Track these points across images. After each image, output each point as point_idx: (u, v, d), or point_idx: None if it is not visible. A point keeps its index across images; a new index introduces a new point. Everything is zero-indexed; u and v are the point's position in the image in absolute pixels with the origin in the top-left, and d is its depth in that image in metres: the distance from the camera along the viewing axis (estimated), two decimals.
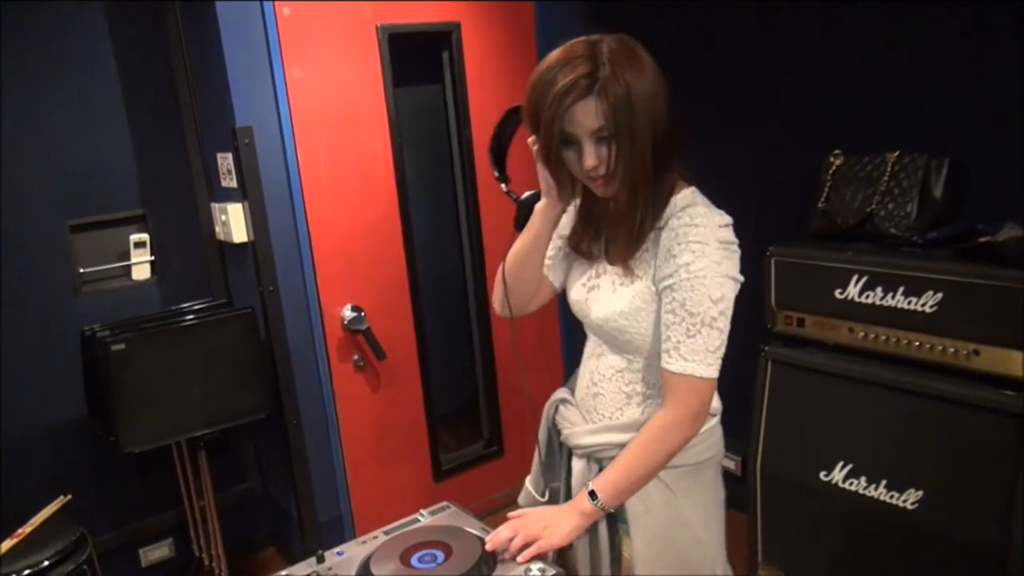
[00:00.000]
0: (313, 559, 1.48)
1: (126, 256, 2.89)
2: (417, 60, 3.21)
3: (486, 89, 3.24)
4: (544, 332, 3.62)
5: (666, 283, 1.41)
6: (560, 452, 1.70)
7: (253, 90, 2.69)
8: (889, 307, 2.10)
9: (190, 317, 2.74)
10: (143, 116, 2.86)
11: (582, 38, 1.38)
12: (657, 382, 1.53)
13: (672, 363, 1.41)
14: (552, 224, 1.59)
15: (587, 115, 1.34)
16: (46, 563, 2.28)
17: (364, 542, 1.53)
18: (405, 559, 1.42)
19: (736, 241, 1.43)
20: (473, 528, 1.52)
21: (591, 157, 1.37)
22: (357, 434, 3.09)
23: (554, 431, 1.72)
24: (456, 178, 3.33)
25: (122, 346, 2.47)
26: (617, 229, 1.51)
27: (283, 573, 1.45)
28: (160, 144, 2.91)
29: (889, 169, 2.23)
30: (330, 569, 1.45)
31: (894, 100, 2.40)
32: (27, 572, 2.24)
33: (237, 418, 2.73)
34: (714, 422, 1.59)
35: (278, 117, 2.76)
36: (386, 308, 3.09)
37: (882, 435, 2.12)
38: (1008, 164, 2.18)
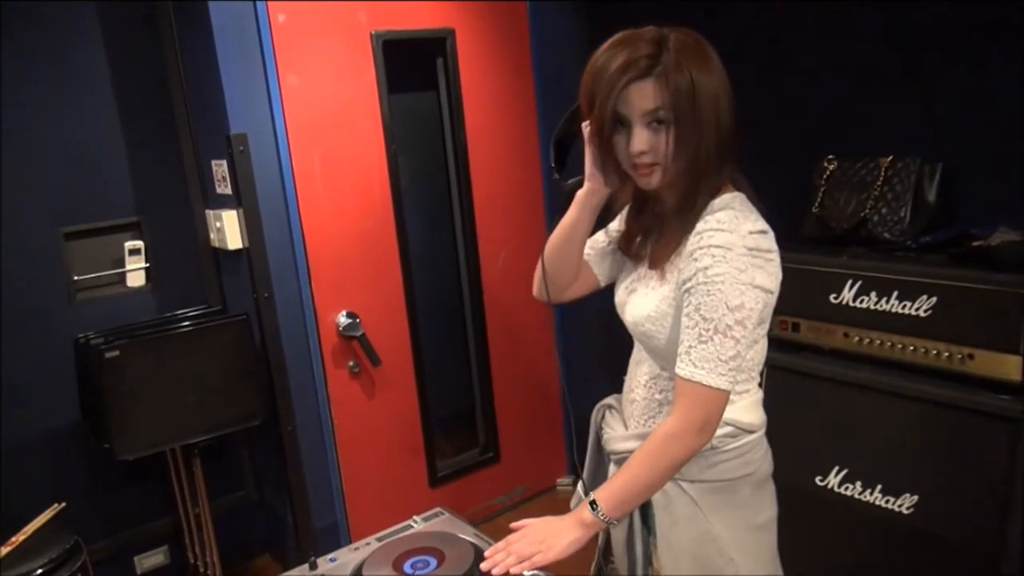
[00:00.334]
0: (306, 566, 1.47)
1: (121, 263, 2.89)
2: (412, 67, 3.21)
3: (481, 95, 3.24)
4: (539, 333, 3.62)
5: (685, 287, 1.36)
6: (607, 457, 1.67)
7: (248, 97, 2.70)
8: (883, 311, 2.10)
9: (185, 324, 2.73)
10: (137, 123, 2.86)
11: (649, 27, 1.36)
12: None
13: (682, 368, 1.35)
14: (591, 211, 1.54)
15: (643, 96, 1.32)
16: (40, 571, 2.26)
17: (357, 548, 1.53)
18: (398, 565, 1.42)
19: (772, 249, 1.38)
20: (466, 534, 1.52)
21: (639, 141, 1.34)
22: (352, 440, 3.09)
23: (599, 436, 1.68)
24: (451, 184, 3.33)
25: (116, 353, 2.47)
26: (671, 228, 1.45)
27: None
28: (154, 151, 2.91)
29: (883, 174, 2.23)
30: None
31: (887, 105, 2.40)
32: None
33: (232, 425, 2.72)
34: (750, 438, 1.49)
35: (273, 124, 2.76)
36: (381, 314, 3.08)
37: (877, 440, 2.12)
38: (1000, 168, 2.18)
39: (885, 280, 2.09)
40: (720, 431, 1.42)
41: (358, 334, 2.97)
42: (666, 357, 1.46)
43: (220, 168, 2.79)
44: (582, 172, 1.52)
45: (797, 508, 2.27)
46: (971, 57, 2.21)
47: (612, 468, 1.60)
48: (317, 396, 2.99)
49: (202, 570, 2.98)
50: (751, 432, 1.50)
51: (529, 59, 3.38)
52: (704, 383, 1.33)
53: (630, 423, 1.59)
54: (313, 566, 1.47)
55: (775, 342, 2.34)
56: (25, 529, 2.40)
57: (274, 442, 2.96)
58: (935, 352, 2.01)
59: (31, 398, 2.73)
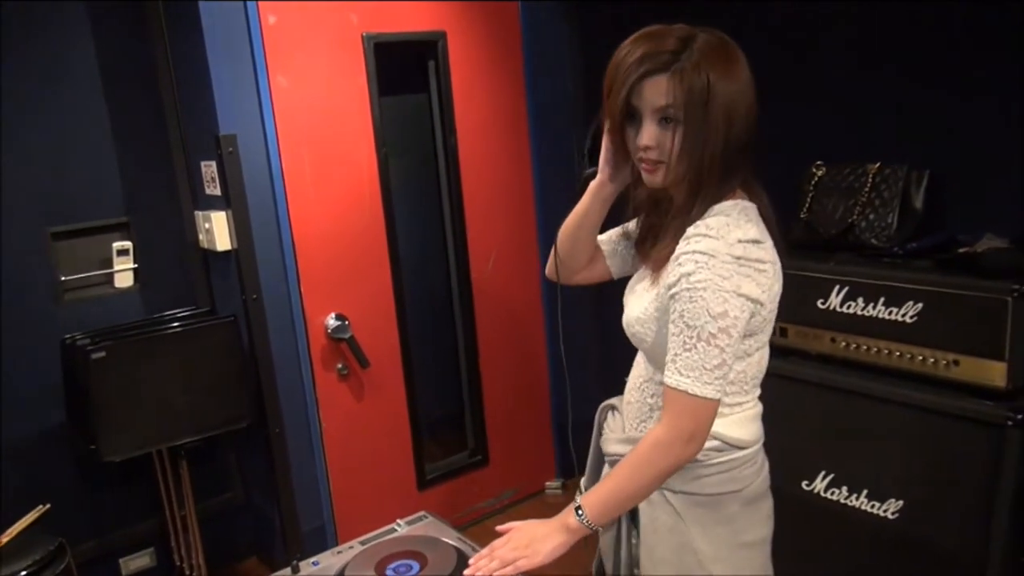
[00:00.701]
0: (288, 569, 1.47)
1: (108, 264, 2.87)
2: (403, 69, 3.21)
3: (472, 98, 3.24)
4: (528, 336, 3.62)
5: (671, 292, 1.34)
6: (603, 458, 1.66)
7: (237, 98, 2.69)
8: (870, 317, 2.11)
9: (173, 325, 2.72)
10: (126, 123, 2.84)
11: (682, 24, 1.35)
12: None
13: (669, 377, 1.33)
14: (601, 202, 1.54)
15: (656, 91, 1.31)
16: (24, 573, 2.25)
17: (340, 551, 1.52)
18: (380, 569, 1.41)
19: (765, 260, 1.35)
20: (449, 538, 1.52)
21: (648, 136, 1.34)
22: (340, 443, 3.08)
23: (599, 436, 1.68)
24: (441, 187, 3.33)
25: (102, 354, 2.46)
26: (668, 229, 1.44)
27: None
28: (143, 151, 2.89)
29: (870, 180, 2.24)
30: None
31: (875, 112, 2.41)
32: None
33: (219, 427, 2.71)
34: (739, 454, 1.46)
35: (262, 125, 2.75)
36: (370, 316, 3.08)
37: (863, 445, 2.12)
38: (987, 176, 2.20)
39: (872, 286, 2.10)
40: (706, 444, 1.39)
41: (347, 336, 2.97)
42: (655, 360, 1.46)
43: (209, 169, 2.79)
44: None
45: (783, 512, 2.27)
46: (959, 65, 2.22)
47: (606, 469, 1.59)
48: (305, 398, 2.98)
49: (188, 572, 2.97)
50: (741, 448, 1.46)
51: (520, 62, 3.38)
52: (690, 392, 1.31)
53: (627, 425, 1.58)
54: (295, 569, 1.46)
55: None
56: (9, 531, 2.38)
57: (261, 444, 2.95)
58: (921, 358, 2.02)
59: (16, 398, 2.71)
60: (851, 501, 2.15)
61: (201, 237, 2.90)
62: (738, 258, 1.31)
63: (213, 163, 2.74)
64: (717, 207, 1.37)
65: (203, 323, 2.74)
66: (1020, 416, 1.83)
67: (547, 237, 3.51)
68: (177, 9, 2.72)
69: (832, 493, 2.19)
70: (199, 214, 2.88)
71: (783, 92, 2.59)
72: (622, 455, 1.47)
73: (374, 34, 2.92)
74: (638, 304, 1.46)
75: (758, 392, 1.51)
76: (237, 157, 2.70)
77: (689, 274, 1.30)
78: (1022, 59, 2.07)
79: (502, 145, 3.38)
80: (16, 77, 2.62)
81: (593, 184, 1.53)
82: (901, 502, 2.04)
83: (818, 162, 2.39)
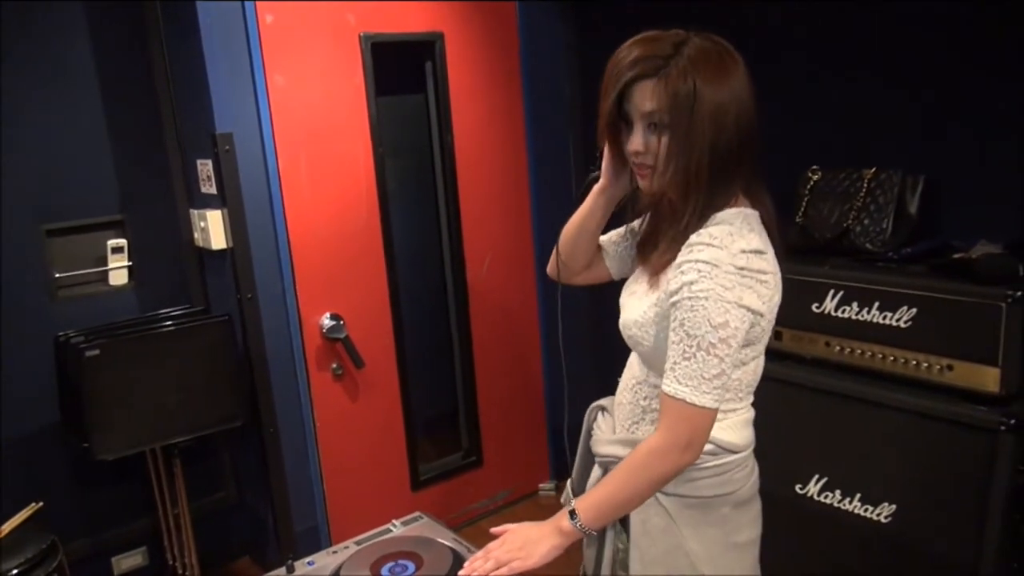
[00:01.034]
0: (283, 569, 1.47)
1: (103, 261, 2.86)
2: (400, 69, 3.21)
3: (469, 99, 3.24)
4: (523, 337, 3.62)
5: (672, 299, 1.34)
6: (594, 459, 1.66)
7: (234, 96, 2.69)
8: (865, 322, 2.12)
9: (167, 324, 2.72)
10: (122, 120, 2.84)
11: (679, 29, 1.35)
12: None
13: (668, 385, 1.33)
14: (603, 205, 1.55)
15: (643, 97, 1.31)
16: (16, 571, 2.24)
17: (335, 552, 1.52)
18: (375, 570, 1.41)
19: (767, 271, 1.35)
20: (445, 539, 1.52)
21: (636, 141, 1.35)
22: (335, 443, 3.08)
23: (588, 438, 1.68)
24: (438, 188, 3.33)
25: (96, 352, 2.45)
26: (664, 234, 1.45)
27: None
28: (139, 149, 2.89)
29: (866, 185, 2.25)
30: None
31: (871, 117, 2.42)
32: None
33: (213, 426, 2.70)
34: (732, 458, 1.47)
35: (259, 124, 2.75)
36: (366, 317, 3.08)
37: (857, 449, 2.13)
38: (982, 182, 2.21)
39: (867, 290, 2.11)
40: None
41: (342, 336, 2.96)
42: (651, 363, 1.46)
43: (205, 167, 2.78)
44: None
45: (776, 516, 2.28)
46: (954, 71, 2.23)
47: (596, 471, 1.59)
48: (300, 398, 2.98)
49: (181, 572, 2.96)
50: (734, 452, 1.48)
51: (517, 63, 3.38)
52: (688, 401, 1.31)
53: (617, 427, 1.58)
54: (291, 569, 1.46)
55: None
56: (2, 528, 2.37)
57: (255, 444, 2.94)
58: (915, 363, 2.03)
59: (9, 396, 2.70)
60: (844, 505, 2.15)
61: (196, 235, 2.90)
62: (741, 268, 1.31)
63: (209, 161, 2.74)
64: (720, 215, 1.37)
65: (198, 322, 2.73)
66: (1013, 421, 1.84)
67: (543, 238, 3.51)
68: (174, 8, 2.71)
69: (825, 497, 2.19)
70: (194, 212, 2.88)
71: (779, 96, 2.61)
72: (614, 456, 1.49)
73: (371, 34, 2.92)
74: (636, 307, 1.46)
75: (751, 398, 1.52)
76: (233, 156, 2.70)
77: (692, 283, 1.30)
78: (1018, 66, 2.09)
79: (499, 146, 3.38)
80: (13, 74, 2.62)
81: (596, 187, 1.54)
82: (894, 506, 2.05)
83: (814, 167, 2.40)
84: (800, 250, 2.35)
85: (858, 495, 2.13)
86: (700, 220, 1.36)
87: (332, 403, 3.05)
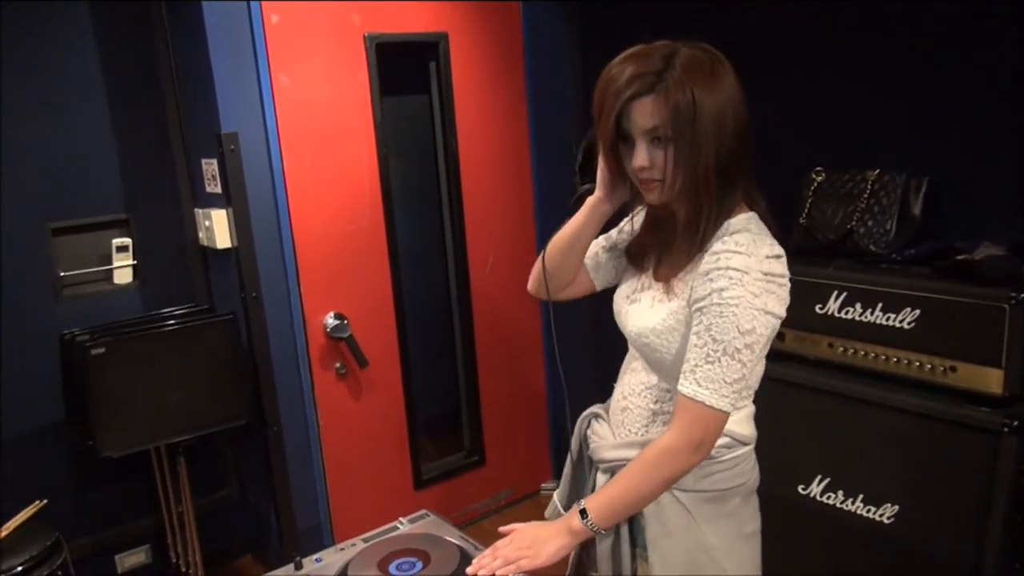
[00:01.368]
0: (291, 565, 1.48)
1: (108, 260, 2.87)
2: (404, 70, 3.22)
3: (473, 100, 3.25)
4: (526, 338, 3.63)
5: (697, 305, 1.36)
6: (589, 468, 1.67)
7: (239, 96, 2.69)
8: (868, 323, 2.12)
9: (171, 322, 2.72)
10: (128, 119, 2.85)
11: (665, 40, 1.36)
12: None
13: (686, 386, 1.35)
14: (598, 219, 1.55)
15: (643, 114, 1.32)
16: (20, 568, 2.25)
17: (343, 549, 1.53)
18: (383, 567, 1.42)
19: (785, 275, 1.38)
20: (452, 537, 1.53)
21: (640, 157, 1.35)
22: (338, 442, 3.08)
23: (584, 445, 1.68)
24: (441, 188, 3.34)
25: (102, 350, 2.46)
26: (679, 244, 1.47)
27: None
28: (144, 148, 2.90)
29: (869, 187, 2.26)
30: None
31: (875, 119, 2.43)
32: None
33: (217, 424, 2.71)
34: (743, 450, 1.52)
35: (264, 124, 2.76)
36: (369, 316, 3.09)
37: (860, 450, 2.14)
38: (985, 184, 2.21)
39: (870, 292, 2.11)
40: (718, 441, 1.43)
41: (345, 335, 2.97)
42: (668, 370, 1.47)
43: (210, 167, 2.79)
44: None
45: (780, 516, 2.29)
46: (959, 74, 2.23)
47: (600, 477, 1.59)
48: (303, 397, 2.99)
49: (184, 570, 2.97)
50: (745, 444, 1.52)
51: (521, 63, 3.39)
52: (707, 403, 1.33)
53: (619, 431, 1.58)
54: (299, 566, 1.47)
55: None
56: (6, 525, 2.38)
57: (259, 442, 2.95)
58: (918, 364, 2.03)
59: (15, 394, 2.71)
60: (847, 505, 2.16)
61: (201, 235, 2.91)
62: (767, 275, 1.34)
63: (214, 161, 2.75)
64: (733, 222, 1.39)
65: (202, 321, 2.74)
66: (1016, 423, 1.84)
67: (546, 239, 3.48)
68: (180, 8, 2.72)
69: (828, 497, 2.20)
70: (199, 211, 2.89)
71: (784, 97, 2.62)
72: (623, 459, 1.49)
73: (376, 34, 2.93)
74: (651, 315, 1.47)
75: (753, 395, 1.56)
76: (238, 155, 2.70)
77: (722, 289, 1.32)
78: (1021, 68, 2.09)
79: (502, 147, 3.39)
80: (18, 73, 2.62)
81: (590, 200, 1.53)
82: (896, 507, 2.06)
83: (818, 168, 2.40)
84: (804, 251, 2.36)
85: (860, 496, 2.13)
86: (715, 228, 1.38)
87: (335, 402, 3.06)
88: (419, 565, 1.42)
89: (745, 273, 1.32)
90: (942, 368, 1.99)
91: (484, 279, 3.41)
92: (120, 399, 2.51)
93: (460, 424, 3.60)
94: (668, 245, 1.51)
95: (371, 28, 2.92)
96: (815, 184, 2.38)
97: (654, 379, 1.52)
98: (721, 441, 1.45)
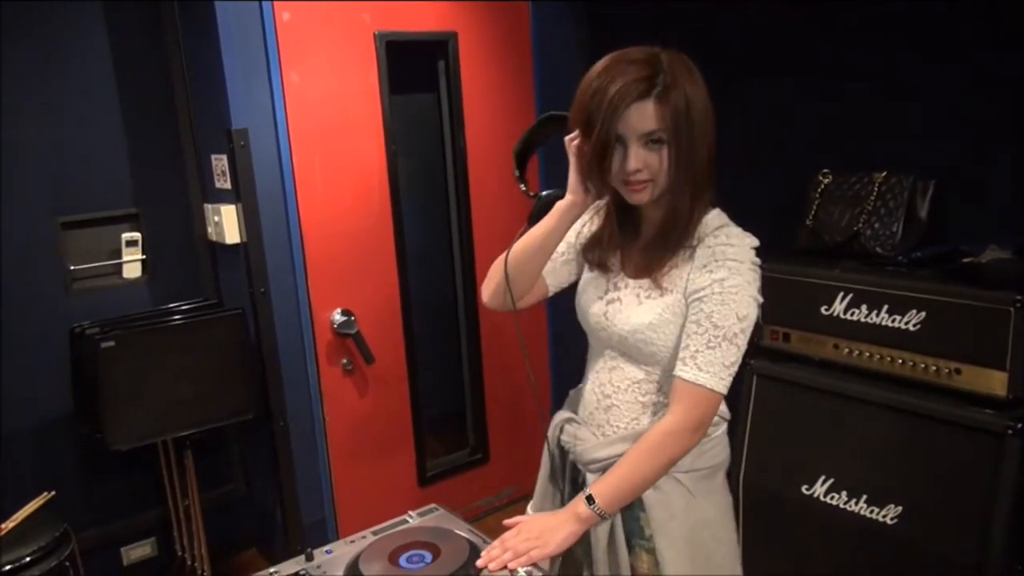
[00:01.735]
0: (302, 557, 1.49)
1: (117, 254, 2.89)
2: (414, 68, 3.23)
3: (481, 99, 3.26)
4: (531, 337, 3.64)
5: (697, 295, 1.42)
6: (563, 476, 1.69)
7: (250, 93, 2.71)
8: (873, 324, 2.13)
9: (180, 317, 2.74)
10: (138, 115, 2.87)
11: (638, 47, 1.39)
12: None
13: (686, 371, 1.41)
14: (570, 223, 1.56)
15: (642, 118, 1.35)
16: (28, 559, 2.26)
17: (352, 541, 1.54)
18: (393, 559, 1.44)
19: (759, 262, 1.46)
20: (461, 530, 1.54)
21: (635, 160, 1.37)
22: (343, 438, 3.10)
23: (558, 454, 1.70)
24: (449, 187, 3.35)
25: (111, 344, 2.47)
26: (654, 241, 1.49)
27: (272, 570, 1.46)
28: (154, 143, 2.92)
29: (876, 189, 2.27)
30: (319, 567, 1.47)
31: (882, 121, 2.44)
32: (8, 567, 2.23)
33: (224, 418, 2.73)
34: (724, 427, 1.61)
35: (274, 121, 2.77)
36: (376, 313, 3.10)
37: (864, 451, 2.15)
38: (992, 187, 2.22)
39: (876, 294, 2.12)
40: None
41: (352, 332, 2.99)
42: (662, 362, 1.50)
43: (220, 162, 2.81)
44: (555, 184, 1.54)
45: (783, 516, 2.31)
46: (965, 76, 2.25)
47: (591, 478, 1.59)
48: (310, 392, 3.00)
49: (189, 563, 2.99)
50: (725, 420, 1.61)
51: (530, 63, 3.40)
52: (707, 386, 1.40)
53: (604, 430, 1.59)
54: (309, 557, 1.48)
55: (766, 351, 2.37)
56: (14, 516, 2.40)
57: (265, 437, 2.97)
58: (923, 366, 2.04)
59: (25, 387, 2.73)
60: (850, 506, 2.17)
61: (210, 230, 2.92)
62: (755, 264, 1.44)
63: (224, 157, 2.76)
64: (710, 218, 1.47)
65: (210, 315, 2.75)
66: (1020, 425, 1.85)
67: None
68: (192, 6, 2.74)
69: (831, 498, 2.21)
70: (208, 207, 2.90)
71: (791, 99, 2.63)
72: (616, 455, 1.50)
73: (386, 33, 2.94)
74: (644, 312, 1.49)
75: None
76: (248, 152, 2.72)
77: (723, 279, 1.40)
78: None
79: (510, 145, 3.37)
80: (30, 70, 2.65)
81: (562, 204, 1.53)
82: (900, 508, 2.07)
83: (824, 170, 2.41)
84: (810, 253, 2.37)
85: (864, 497, 2.14)
86: (697, 223, 1.45)
87: (342, 398, 3.07)
88: (429, 558, 1.43)
89: (741, 263, 1.42)
90: (947, 370, 2.00)
91: None
92: (129, 392, 2.52)
93: (464, 422, 3.61)
94: (633, 243, 1.54)
95: (381, 26, 2.93)
96: (822, 186, 2.39)
97: (642, 373, 1.54)
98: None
